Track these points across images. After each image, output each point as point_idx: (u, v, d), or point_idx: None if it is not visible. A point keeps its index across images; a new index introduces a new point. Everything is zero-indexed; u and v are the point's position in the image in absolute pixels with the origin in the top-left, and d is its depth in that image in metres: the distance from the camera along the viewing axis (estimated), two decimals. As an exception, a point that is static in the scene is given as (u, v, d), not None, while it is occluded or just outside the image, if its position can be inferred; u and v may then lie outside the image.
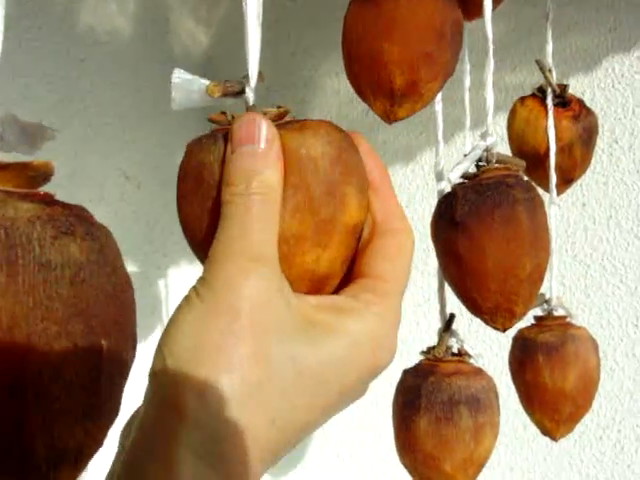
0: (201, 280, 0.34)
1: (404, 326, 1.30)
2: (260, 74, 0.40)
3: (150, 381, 0.33)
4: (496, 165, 0.56)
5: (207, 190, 0.37)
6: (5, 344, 0.25)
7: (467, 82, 0.82)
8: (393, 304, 0.37)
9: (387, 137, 1.37)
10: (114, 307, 0.28)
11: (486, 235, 0.54)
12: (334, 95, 1.40)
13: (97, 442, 0.27)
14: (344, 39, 0.56)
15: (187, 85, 0.39)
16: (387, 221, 0.39)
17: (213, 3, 1.51)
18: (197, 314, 0.33)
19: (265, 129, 0.36)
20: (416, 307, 1.33)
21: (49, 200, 0.28)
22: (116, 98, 1.25)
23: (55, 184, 0.95)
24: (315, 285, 0.37)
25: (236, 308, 0.32)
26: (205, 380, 0.31)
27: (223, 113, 0.39)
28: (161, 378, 0.32)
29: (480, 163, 0.57)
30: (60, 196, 0.99)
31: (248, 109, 0.39)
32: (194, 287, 0.34)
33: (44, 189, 0.29)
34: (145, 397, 0.33)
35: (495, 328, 0.57)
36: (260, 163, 0.35)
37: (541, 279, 0.56)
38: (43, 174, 0.28)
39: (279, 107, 0.39)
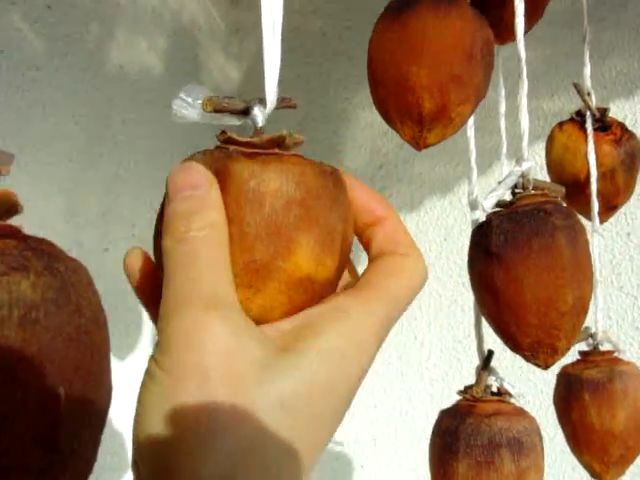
0: (157, 346, 0.30)
1: (444, 363, 1.25)
2: (288, 99, 0.38)
3: (134, 472, 0.29)
4: (533, 192, 0.53)
5: None
6: None
7: (502, 109, 0.79)
8: (375, 309, 0.33)
9: (423, 169, 1.34)
10: (76, 351, 0.25)
11: (524, 265, 0.50)
12: (368, 127, 1.38)
13: None
14: (369, 63, 0.54)
15: (191, 98, 0.37)
16: (394, 246, 0.36)
17: (244, 38, 1.50)
18: (162, 388, 0.29)
19: (202, 175, 0.32)
20: (456, 343, 1.29)
21: (5, 233, 0.25)
22: (147, 136, 1.24)
23: (87, 222, 0.94)
24: None
25: (203, 367, 0.28)
26: (191, 466, 0.27)
27: (224, 132, 0.36)
28: (142, 472, 0.29)
29: (516, 190, 0.54)
30: (92, 234, 0.97)
31: (256, 131, 0.36)
32: (152, 357, 0.30)
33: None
34: None
35: (536, 365, 0.53)
36: (198, 204, 0.32)
37: (585, 312, 0.52)
38: (3, 205, 0.25)
39: (282, 134, 0.36)
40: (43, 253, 0.25)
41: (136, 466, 0.29)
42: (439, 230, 1.32)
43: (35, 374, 0.23)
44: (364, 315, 0.32)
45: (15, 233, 0.25)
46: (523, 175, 0.53)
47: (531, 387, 1.17)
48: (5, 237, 0.24)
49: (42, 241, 0.25)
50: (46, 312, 0.24)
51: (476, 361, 0.62)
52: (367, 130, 1.38)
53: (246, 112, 0.37)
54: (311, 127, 1.42)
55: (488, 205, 0.51)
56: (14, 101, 1.03)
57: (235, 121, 0.38)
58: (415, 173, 1.35)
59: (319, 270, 0.33)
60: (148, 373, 0.29)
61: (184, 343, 0.29)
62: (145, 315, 0.37)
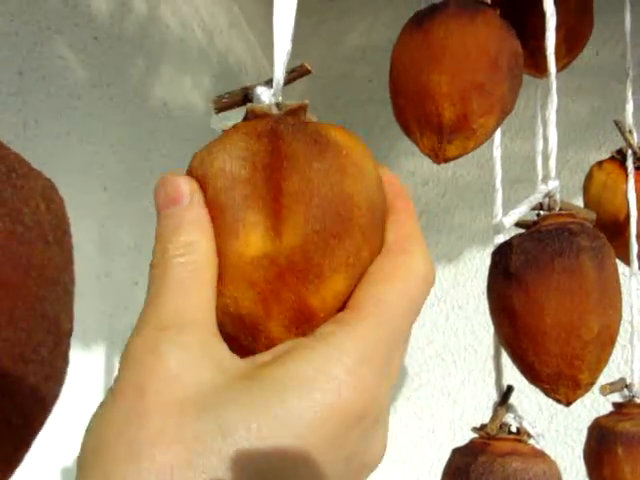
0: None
1: (477, 422, 1.21)
2: (299, 66, 0.34)
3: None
4: (559, 212, 0.49)
5: None
6: None
7: (540, 147, 0.77)
8: (357, 332, 0.28)
9: (464, 219, 1.31)
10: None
11: (545, 288, 0.46)
12: (409, 176, 1.36)
13: None
14: (390, 71, 0.52)
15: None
16: (397, 243, 0.32)
17: (289, 87, 1.50)
18: (105, 407, 0.27)
19: (180, 187, 0.31)
20: (491, 402, 1.23)
21: None
22: (184, 172, 1.23)
23: (118, 253, 0.92)
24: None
25: (141, 387, 0.26)
26: (105, 476, 0.25)
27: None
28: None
29: (542, 212, 0.51)
30: (122, 266, 0.95)
31: (250, 112, 0.33)
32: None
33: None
34: None
35: (557, 400, 0.49)
36: (176, 223, 0.30)
37: (612, 343, 0.48)
38: None
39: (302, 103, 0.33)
40: None
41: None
42: (478, 283, 1.28)
43: None
44: (342, 340, 0.28)
45: None
46: (549, 195, 0.49)
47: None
48: None
49: None
50: None
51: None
52: (409, 178, 1.35)
53: (249, 99, 0.34)
54: (352, 174, 1.40)
55: (508, 222, 0.47)
56: (53, 127, 1.03)
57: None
58: (456, 223, 1.31)
59: (275, 243, 0.29)
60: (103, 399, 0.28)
61: (130, 363, 0.27)
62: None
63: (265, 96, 0.34)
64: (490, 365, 1.24)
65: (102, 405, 0.27)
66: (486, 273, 1.34)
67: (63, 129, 1.04)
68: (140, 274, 1.18)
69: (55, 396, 0.23)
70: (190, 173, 0.32)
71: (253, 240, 0.29)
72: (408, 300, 0.30)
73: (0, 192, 0.20)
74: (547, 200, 0.50)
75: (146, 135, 1.18)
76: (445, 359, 1.29)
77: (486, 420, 1.20)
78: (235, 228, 0.29)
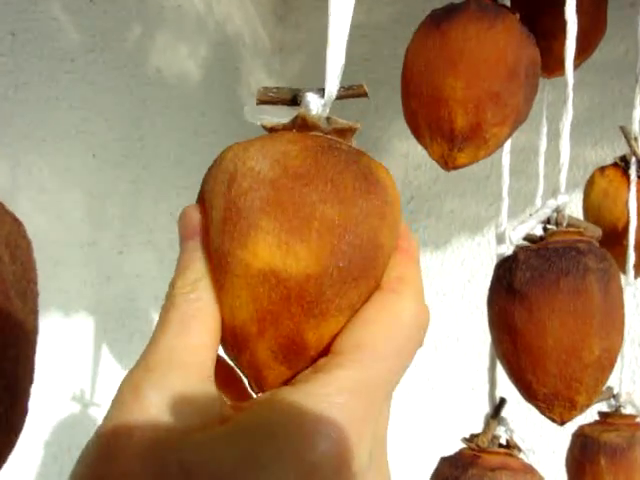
0: None
1: (456, 410, 1.19)
2: (356, 86, 0.34)
3: None
4: (567, 228, 0.48)
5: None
6: None
7: (543, 147, 0.75)
8: (336, 380, 0.27)
9: (454, 206, 1.30)
10: None
11: (549, 307, 0.45)
12: (402, 159, 1.34)
13: None
14: (404, 71, 0.50)
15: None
16: (388, 283, 0.30)
17: (288, 58, 1.48)
18: (87, 446, 0.27)
19: (193, 223, 0.31)
20: (471, 391, 1.24)
21: None
22: (175, 142, 1.21)
23: (104, 221, 0.90)
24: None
25: (117, 426, 0.27)
26: None
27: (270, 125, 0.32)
28: None
29: (548, 226, 0.50)
30: (107, 235, 0.93)
31: (300, 118, 0.32)
32: None
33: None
34: None
35: (551, 419, 0.48)
36: (189, 257, 0.30)
37: (611, 367, 0.47)
38: None
39: (352, 124, 0.32)
40: None
41: None
42: (464, 271, 1.27)
43: None
44: (317, 390, 0.27)
45: None
46: (558, 210, 0.48)
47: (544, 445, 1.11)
48: None
49: None
50: None
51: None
52: (401, 161, 1.34)
53: (296, 102, 0.33)
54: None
55: (516, 237, 0.46)
56: (43, 90, 1.01)
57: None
58: (446, 210, 1.30)
59: (287, 262, 0.27)
60: None
61: (114, 401, 0.28)
62: (152, 324, 0.35)
63: (314, 105, 0.33)
64: (471, 353, 1.24)
65: (87, 444, 0.27)
66: (472, 262, 1.33)
67: (54, 93, 1.02)
68: (125, 244, 1.16)
69: (10, 447, 0.22)
70: (220, 165, 0.30)
71: (262, 250, 0.28)
72: (392, 344, 0.29)
73: None
74: (555, 215, 0.49)
75: (138, 103, 1.15)
76: (426, 345, 1.29)
77: (464, 409, 1.20)
78: (247, 234, 0.28)
